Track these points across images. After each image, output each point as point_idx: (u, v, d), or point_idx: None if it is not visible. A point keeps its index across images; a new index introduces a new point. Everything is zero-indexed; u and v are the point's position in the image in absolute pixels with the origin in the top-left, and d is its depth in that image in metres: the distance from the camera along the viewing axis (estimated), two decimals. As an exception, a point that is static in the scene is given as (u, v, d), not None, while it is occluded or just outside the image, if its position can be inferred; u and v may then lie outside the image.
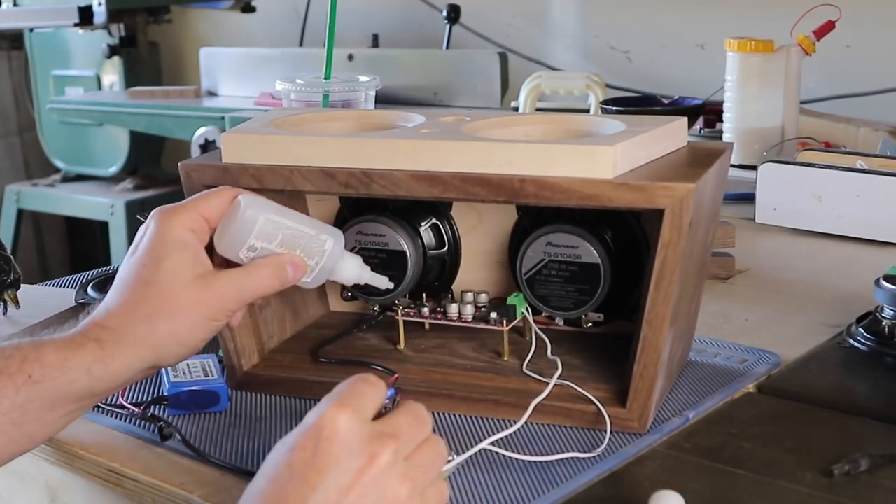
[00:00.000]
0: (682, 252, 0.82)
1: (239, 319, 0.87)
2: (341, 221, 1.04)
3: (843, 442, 0.83)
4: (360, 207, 1.02)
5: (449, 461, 0.79)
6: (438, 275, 1.03)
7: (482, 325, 0.97)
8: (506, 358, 0.97)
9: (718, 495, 0.78)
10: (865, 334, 1.02)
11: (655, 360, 0.85)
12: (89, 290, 1.15)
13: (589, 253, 0.93)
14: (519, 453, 0.84)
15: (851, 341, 1.03)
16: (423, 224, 1.01)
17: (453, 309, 0.98)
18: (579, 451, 0.84)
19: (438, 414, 0.92)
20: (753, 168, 1.54)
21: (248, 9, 3.28)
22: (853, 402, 0.91)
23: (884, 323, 1.01)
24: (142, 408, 0.93)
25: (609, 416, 0.87)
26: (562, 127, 0.97)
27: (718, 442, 0.86)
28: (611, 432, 0.86)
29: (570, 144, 0.86)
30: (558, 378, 0.91)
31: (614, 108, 1.88)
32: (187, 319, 0.80)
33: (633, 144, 0.86)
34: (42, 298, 1.20)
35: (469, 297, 1.00)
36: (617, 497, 0.79)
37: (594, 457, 0.83)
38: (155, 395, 0.96)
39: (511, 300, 0.96)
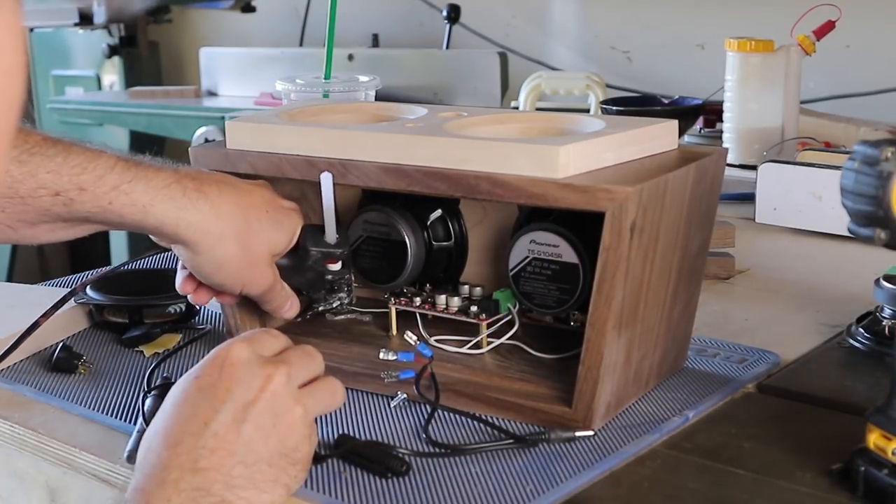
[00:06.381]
0: (624, 256, 0.82)
1: None
2: (359, 209, 1.06)
3: (843, 442, 0.83)
4: (375, 196, 1.04)
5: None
6: (445, 267, 1.04)
7: (462, 318, 0.99)
8: (483, 350, 0.97)
9: (718, 495, 0.78)
10: (865, 334, 1.02)
11: (598, 362, 0.85)
12: (88, 290, 1.15)
13: (569, 253, 0.92)
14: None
15: (851, 341, 1.03)
16: (430, 217, 1.02)
17: (441, 301, 1.00)
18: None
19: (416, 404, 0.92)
20: (753, 168, 1.54)
21: (248, 9, 3.28)
22: (853, 402, 0.91)
23: (884, 323, 1.01)
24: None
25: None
26: (542, 125, 0.98)
27: (718, 442, 0.86)
28: (609, 431, 0.86)
29: (522, 143, 0.88)
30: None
31: (614, 108, 1.88)
32: None
33: (593, 145, 0.87)
34: (42, 298, 1.20)
35: (465, 290, 1.02)
36: (617, 497, 0.79)
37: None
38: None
39: (496, 295, 0.98)
